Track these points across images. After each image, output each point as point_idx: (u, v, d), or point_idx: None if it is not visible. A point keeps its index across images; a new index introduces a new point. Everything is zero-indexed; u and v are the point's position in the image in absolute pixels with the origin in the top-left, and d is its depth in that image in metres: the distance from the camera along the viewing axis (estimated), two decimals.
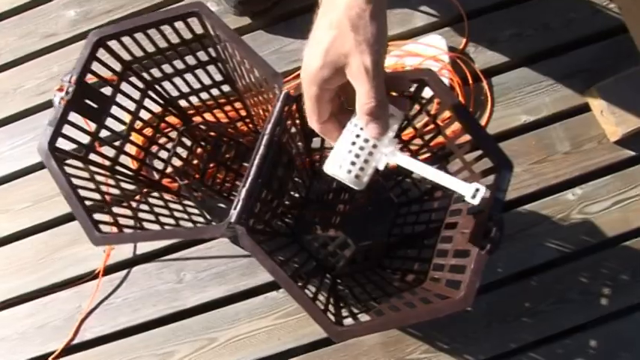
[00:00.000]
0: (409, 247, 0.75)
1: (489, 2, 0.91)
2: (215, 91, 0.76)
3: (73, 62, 0.91)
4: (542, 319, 0.80)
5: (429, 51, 0.88)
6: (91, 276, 0.87)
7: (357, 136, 0.43)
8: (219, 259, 0.87)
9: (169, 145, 0.79)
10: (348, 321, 0.57)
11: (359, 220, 0.79)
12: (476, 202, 0.41)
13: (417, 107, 0.61)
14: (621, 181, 0.84)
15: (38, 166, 0.94)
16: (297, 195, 0.82)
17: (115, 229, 0.61)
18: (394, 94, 0.49)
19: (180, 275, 0.87)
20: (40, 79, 0.98)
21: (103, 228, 0.57)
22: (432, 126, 0.61)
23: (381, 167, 0.44)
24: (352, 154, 0.43)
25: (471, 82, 0.87)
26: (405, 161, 0.43)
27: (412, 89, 0.59)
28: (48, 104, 0.97)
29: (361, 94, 0.39)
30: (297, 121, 0.65)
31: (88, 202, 0.58)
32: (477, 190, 0.41)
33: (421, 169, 0.43)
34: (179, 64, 0.69)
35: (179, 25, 0.61)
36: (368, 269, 0.78)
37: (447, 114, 0.57)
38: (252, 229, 0.58)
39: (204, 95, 0.76)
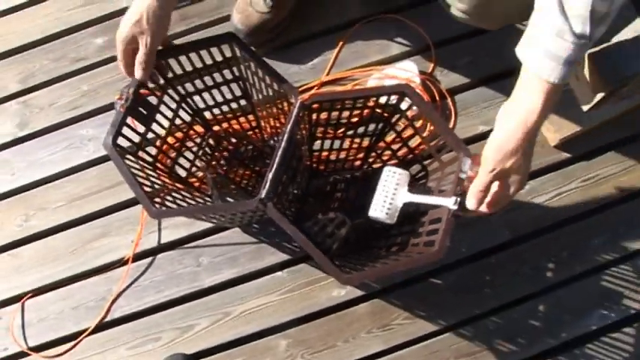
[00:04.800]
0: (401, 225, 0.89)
1: (452, 34, 1.09)
2: (233, 105, 0.94)
3: (101, 83, 1.07)
4: (500, 290, 0.96)
5: (403, 74, 1.05)
6: (120, 263, 1.01)
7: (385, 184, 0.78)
8: (231, 246, 1.02)
9: (195, 149, 0.95)
10: None
11: (357, 201, 0.94)
12: (455, 207, 0.67)
13: (397, 116, 0.80)
14: (561, 177, 1.01)
15: (72, 171, 1.08)
16: (297, 192, 0.99)
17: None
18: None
19: (199, 260, 1.01)
20: (72, 97, 1.12)
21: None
22: (409, 131, 0.81)
23: (400, 204, 0.77)
24: (381, 197, 0.77)
25: (438, 99, 1.04)
26: (412, 197, 0.77)
27: (394, 100, 0.78)
28: (79, 118, 1.11)
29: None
30: (306, 126, 0.82)
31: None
32: (457, 199, 0.67)
33: (423, 199, 0.75)
34: (208, 81, 0.86)
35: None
36: (360, 249, 0.95)
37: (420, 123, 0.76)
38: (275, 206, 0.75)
39: (224, 108, 0.93)
